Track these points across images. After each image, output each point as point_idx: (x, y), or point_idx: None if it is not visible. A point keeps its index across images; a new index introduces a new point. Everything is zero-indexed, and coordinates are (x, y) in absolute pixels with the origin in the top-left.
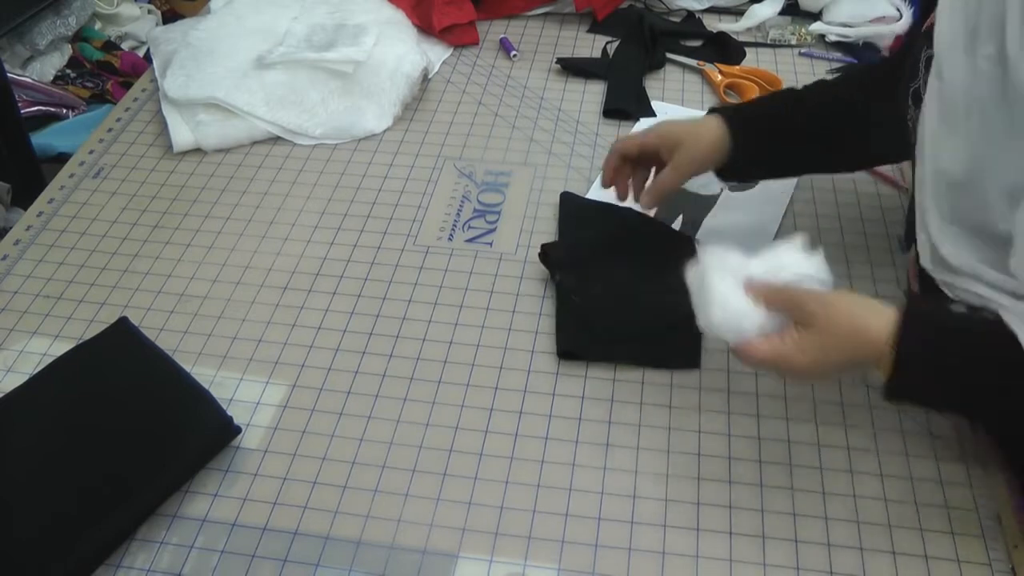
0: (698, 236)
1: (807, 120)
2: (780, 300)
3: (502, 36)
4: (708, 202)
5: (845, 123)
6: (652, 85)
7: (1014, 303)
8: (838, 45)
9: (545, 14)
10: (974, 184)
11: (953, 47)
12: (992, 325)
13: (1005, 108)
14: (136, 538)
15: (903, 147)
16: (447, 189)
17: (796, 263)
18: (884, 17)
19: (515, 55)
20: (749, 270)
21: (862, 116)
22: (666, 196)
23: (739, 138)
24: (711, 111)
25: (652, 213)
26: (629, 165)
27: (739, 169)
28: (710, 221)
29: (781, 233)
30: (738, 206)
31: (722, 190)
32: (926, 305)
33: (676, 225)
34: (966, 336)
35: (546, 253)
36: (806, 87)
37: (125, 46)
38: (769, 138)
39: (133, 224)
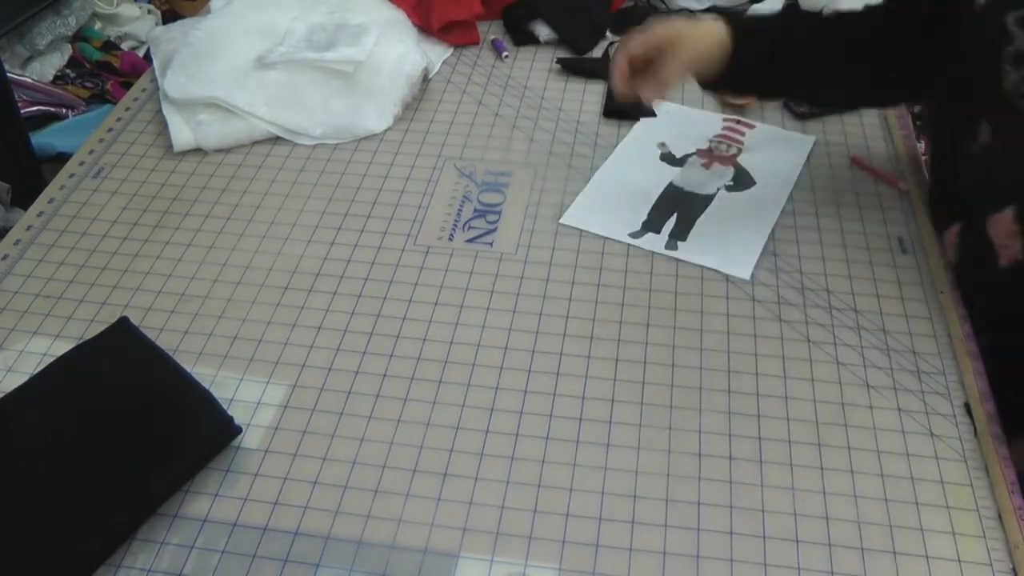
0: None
1: (813, 41)
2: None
3: (494, 38)
4: (704, 201)
5: (857, 51)
6: None
7: None
8: None
9: None
10: None
11: None
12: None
13: None
14: (137, 538)
15: (913, 90)
16: (447, 189)
17: None
18: None
19: (506, 56)
20: None
21: (879, 48)
22: (669, 88)
23: (740, 43)
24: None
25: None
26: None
27: (732, 78)
28: (705, 220)
29: (777, 233)
30: (734, 206)
31: (718, 190)
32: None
33: (670, 224)
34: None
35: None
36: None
37: (125, 46)
38: (770, 51)
39: (133, 224)
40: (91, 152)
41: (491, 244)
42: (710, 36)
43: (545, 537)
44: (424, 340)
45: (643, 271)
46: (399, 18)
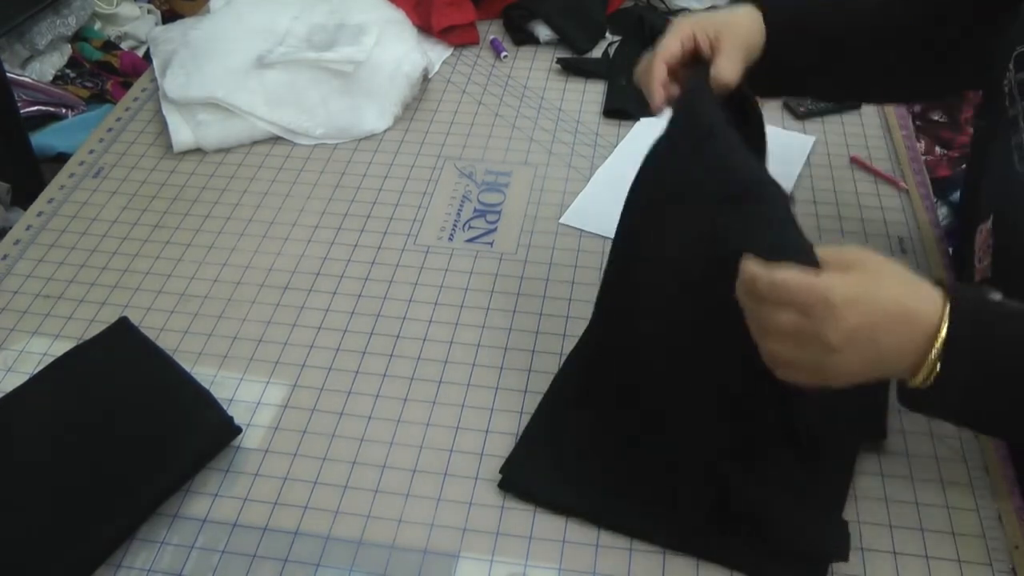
0: None
1: (860, 28)
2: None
3: (492, 38)
4: None
5: (909, 39)
6: None
7: None
8: None
9: None
10: None
11: None
12: None
13: None
14: (137, 538)
15: (974, 78)
16: (447, 189)
17: None
18: None
19: (505, 56)
20: None
21: (932, 35)
22: (731, 88)
23: (774, 34)
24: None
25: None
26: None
27: (767, 75)
28: None
29: None
30: None
31: None
32: (973, 291)
33: None
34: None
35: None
36: None
37: (125, 46)
38: (810, 39)
39: (133, 224)
40: (91, 152)
41: (491, 244)
42: (747, 19)
43: (545, 537)
44: (424, 340)
45: None
46: (399, 18)
